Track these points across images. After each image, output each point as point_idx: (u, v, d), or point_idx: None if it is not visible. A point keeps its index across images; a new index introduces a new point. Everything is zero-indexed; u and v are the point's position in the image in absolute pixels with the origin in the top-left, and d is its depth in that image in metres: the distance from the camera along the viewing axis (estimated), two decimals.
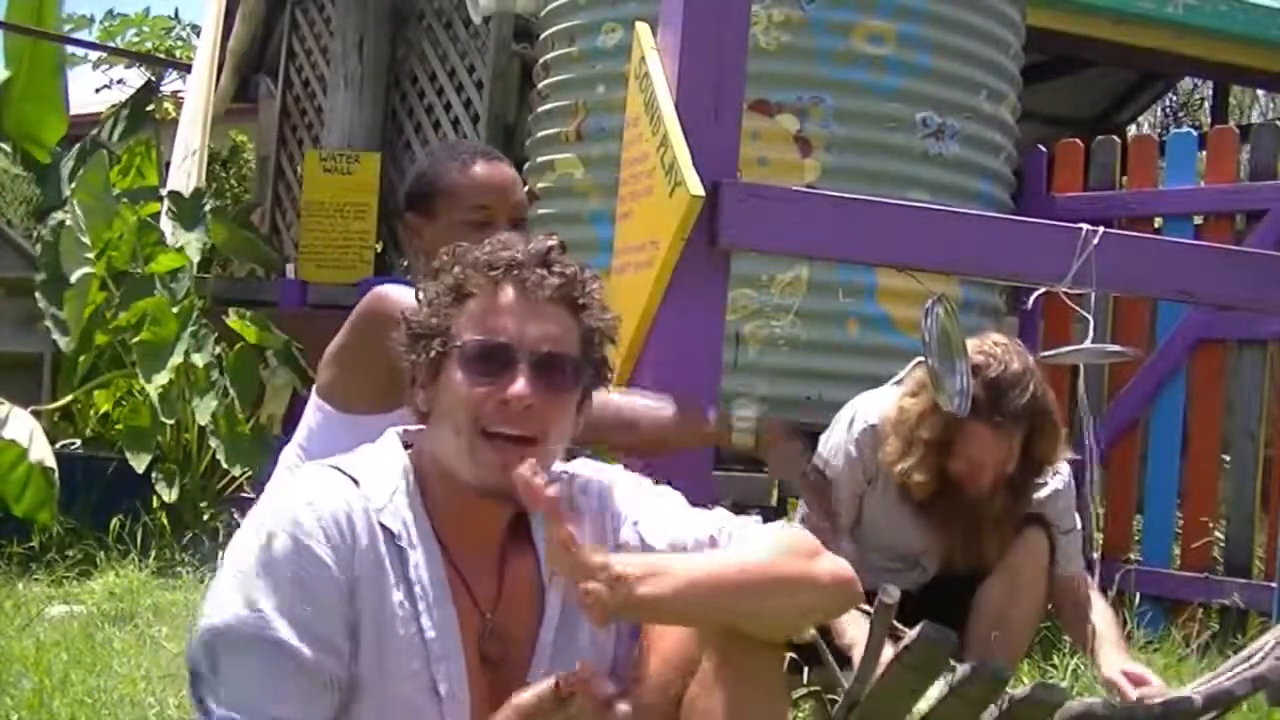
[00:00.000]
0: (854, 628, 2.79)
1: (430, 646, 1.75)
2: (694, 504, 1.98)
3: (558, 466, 1.91)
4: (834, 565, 1.86)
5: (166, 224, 6.79)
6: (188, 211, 6.75)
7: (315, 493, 1.75)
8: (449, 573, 1.80)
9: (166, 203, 6.89)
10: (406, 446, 1.88)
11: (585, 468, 1.98)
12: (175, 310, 5.86)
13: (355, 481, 1.78)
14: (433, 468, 1.83)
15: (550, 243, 1.84)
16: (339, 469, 1.80)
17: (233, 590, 1.69)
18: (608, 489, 1.95)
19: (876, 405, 3.20)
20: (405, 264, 7.07)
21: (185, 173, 7.75)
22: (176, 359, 5.73)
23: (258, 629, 1.66)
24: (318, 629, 1.67)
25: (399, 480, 1.81)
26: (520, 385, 1.75)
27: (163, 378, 5.65)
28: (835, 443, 3.24)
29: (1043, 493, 3.20)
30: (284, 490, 1.78)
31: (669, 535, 1.89)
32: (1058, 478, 3.22)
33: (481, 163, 2.67)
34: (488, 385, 1.76)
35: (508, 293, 1.79)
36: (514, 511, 1.85)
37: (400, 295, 2.45)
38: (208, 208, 6.84)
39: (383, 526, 1.75)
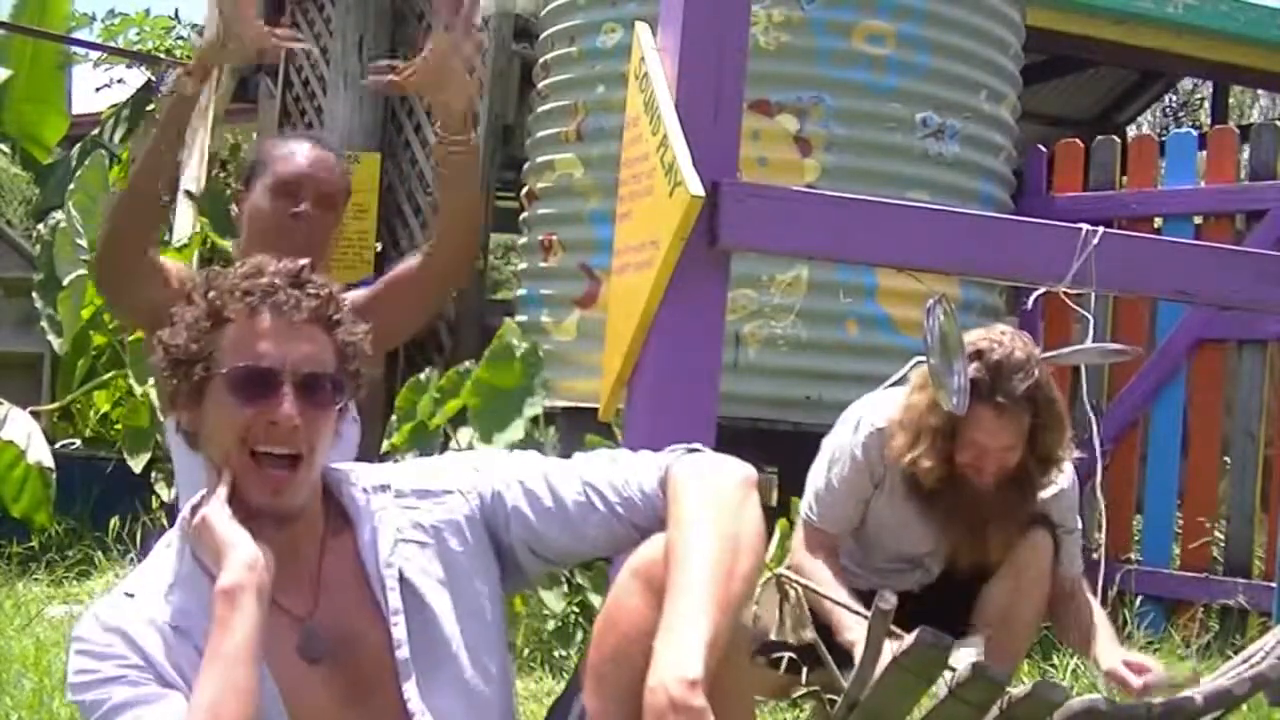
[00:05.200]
0: (858, 629, 2.79)
1: None
2: None
3: (344, 467, 1.97)
4: (753, 496, 1.88)
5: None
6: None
7: (93, 638, 1.80)
8: None
9: None
10: None
11: (394, 473, 1.99)
12: None
13: (132, 596, 1.85)
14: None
15: (301, 263, 1.91)
16: (124, 591, 1.87)
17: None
18: (455, 495, 1.95)
19: (881, 409, 3.19)
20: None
21: (194, 177, 7.75)
22: None
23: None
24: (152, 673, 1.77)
25: (173, 565, 1.87)
26: (288, 406, 1.82)
27: None
28: (840, 447, 3.22)
29: (1047, 492, 3.20)
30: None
31: (559, 540, 1.92)
32: (1062, 477, 3.21)
33: (302, 145, 2.70)
34: (255, 408, 1.82)
35: (265, 317, 1.84)
36: (290, 529, 1.87)
37: None
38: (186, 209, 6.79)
39: (169, 624, 1.81)
